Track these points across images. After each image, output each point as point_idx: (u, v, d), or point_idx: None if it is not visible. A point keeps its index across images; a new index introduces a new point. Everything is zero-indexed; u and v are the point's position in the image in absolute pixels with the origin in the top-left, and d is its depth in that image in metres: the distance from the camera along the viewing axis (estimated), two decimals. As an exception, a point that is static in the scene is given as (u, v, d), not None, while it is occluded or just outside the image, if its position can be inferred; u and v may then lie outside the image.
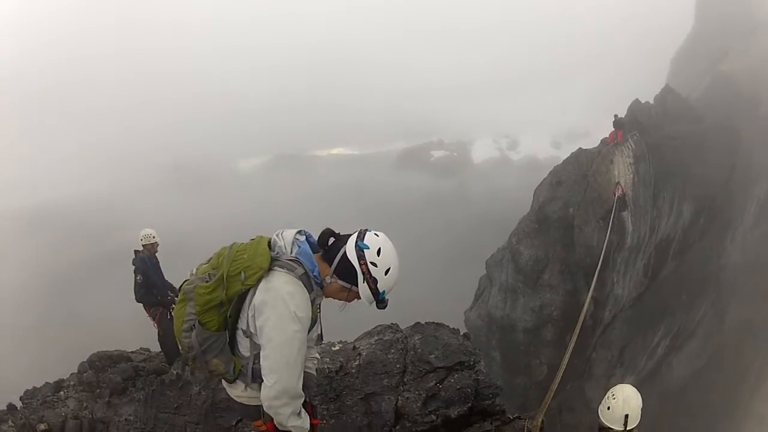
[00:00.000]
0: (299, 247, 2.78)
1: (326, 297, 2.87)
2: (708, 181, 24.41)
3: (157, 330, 8.50)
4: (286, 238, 2.81)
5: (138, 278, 8.26)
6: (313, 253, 2.78)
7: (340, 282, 2.72)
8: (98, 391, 7.44)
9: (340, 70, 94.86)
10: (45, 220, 51.11)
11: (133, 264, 8.38)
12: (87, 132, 71.27)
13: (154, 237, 8.49)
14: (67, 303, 38.82)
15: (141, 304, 8.53)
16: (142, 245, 8.42)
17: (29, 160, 64.02)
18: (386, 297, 2.74)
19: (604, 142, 21.09)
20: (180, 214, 43.52)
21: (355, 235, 2.74)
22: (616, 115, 21.47)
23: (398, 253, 2.75)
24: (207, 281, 2.72)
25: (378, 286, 2.67)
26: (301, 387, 2.73)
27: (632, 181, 20.74)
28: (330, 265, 2.74)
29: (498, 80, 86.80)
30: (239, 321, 2.76)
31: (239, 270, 2.65)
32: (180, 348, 2.94)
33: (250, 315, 2.69)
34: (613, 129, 21.01)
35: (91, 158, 62.54)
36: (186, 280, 2.87)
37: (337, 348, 6.73)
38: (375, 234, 2.74)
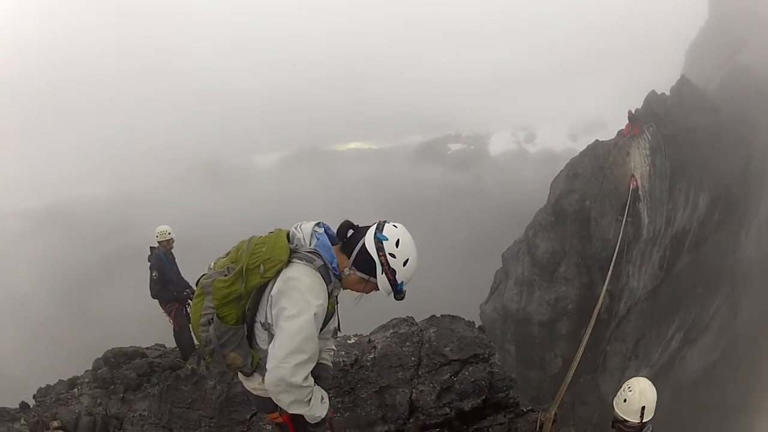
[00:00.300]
0: (318, 239, 2.78)
1: (344, 288, 2.87)
2: (724, 173, 24.21)
3: (172, 326, 8.46)
4: (304, 231, 2.81)
5: (153, 275, 8.23)
6: (332, 245, 2.79)
7: (359, 273, 2.73)
8: (113, 387, 7.43)
9: (356, 64, 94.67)
10: (56, 219, 51.29)
11: (149, 261, 8.35)
12: (97, 130, 71.19)
13: (169, 234, 8.47)
14: (79, 301, 39.14)
15: (156, 301, 8.49)
16: (158, 242, 8.41)
17: (37, 160, 64.04)
18: (404, 288, 2.75)
19: (620, 134, 20.94)
20: (198, 210, 43.64)
21: (374, 226, 2.75)
22: (630, 111, 21.33)
23: (416, 245, 2.75)
24: (226, 275, 2.72)
25: (396, 277, 2.68)
26: (300, 377, 2.69)
27: (648, 172, 20.59)
28: (348, 257, 2.75)
29: (515, 74, 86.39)
30: (258, 314, 2.78)
31: (258, 263, 2.66)
32: (197, 342, 2.95)
33: (268, 307, 2.70)
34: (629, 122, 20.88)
35: (101, 156, 62.60)
36: (204, 275, 2.88)
37: (352, 341, 6.76)
38: (394, 225, 2.75)
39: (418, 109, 73.14)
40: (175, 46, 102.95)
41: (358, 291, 2.85)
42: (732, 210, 25.05)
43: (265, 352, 2.77)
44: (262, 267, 2.65)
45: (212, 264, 2.90)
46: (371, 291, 2.82)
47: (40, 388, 8.08)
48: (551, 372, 21.23)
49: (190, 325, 3.06)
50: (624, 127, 20.90)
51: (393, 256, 2.66)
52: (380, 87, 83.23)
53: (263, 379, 2.83)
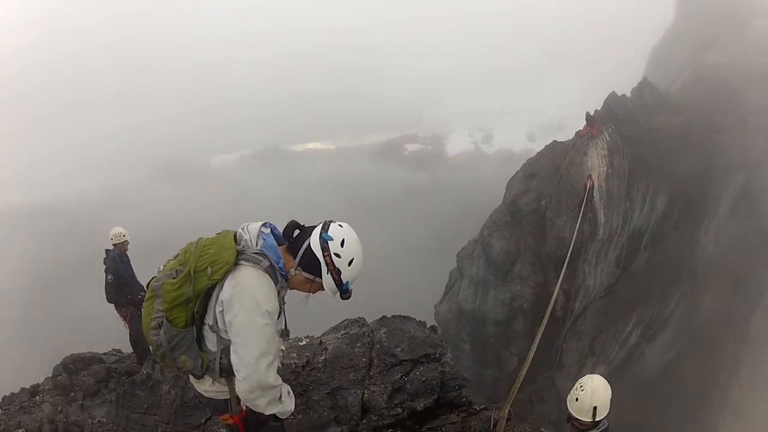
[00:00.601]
0: (264, 240, 2.80)
1: (291, 289, 2.89)
2: (683, 172, 24.45)
3: (128, 330, 8.40)
4: (251, 232, 2.82)
5: (109, 278, 8.15)
6: (279, 245, 2.81)
7: (305, 274, 2.75)
8: (72, 394, 7.47)
9: (314, 63, 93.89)
10: (22, 220, 50.55)
11: (104, 264, 8.25)
12: (53, 134, 69.91)
13: (124, 236, 8.36)
14: (43, 305, 38.64)
15: (112, 305, 8.42)
16: (113, 244, 8.31)
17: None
18: (350, 288, 2.78)
19: (578, 134, 21.01)
20: (156, 211, 43.24)
21: (320, 226, 2.77)
22: (588, 112, 21.42)
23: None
24: (174, 277, 2.72)
25: (342, 276, 2.71)
26: (273, 378, 2.75)
27: (606, 173, 20.72)
28: (294, 257, 2.77)
29: (473, 74, 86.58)
30: (206, 316, 2.77)
31: (206, 265, 2.66)
32: (149, 346, 2.96)
33: (217, 311, 2.71)
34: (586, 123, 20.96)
35: (59, 160, 61.63)
36: (153, 277, 2.88)
37: (304, 343, 6.75)
38: (339, 225, 2.77)
39: (377, 109, 73.56)
40: (132, 45, 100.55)
41: (304, 291, 2.87)
42: (692, 208, 25.36)
43: (214, 354, 2.81)
44: (209, 269, 2.65)
45: (162, 266, 2.89)
46: (317, 291, 2.85)
47: (5, 396, 8.13)
48: (507, 370, 21.41)
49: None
50: (582, 128, 20.96)
51: (338, 255, 2.69)
52: (338, 86, 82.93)
53: (213, 381, 2.90)
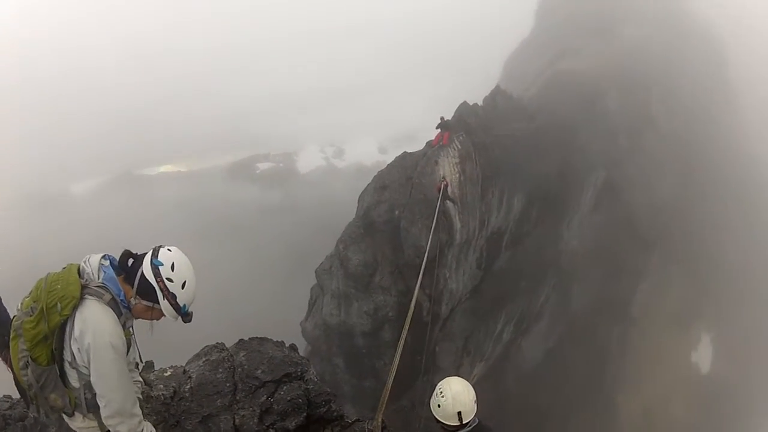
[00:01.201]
0: (105, 272, 2.85)
1: (136, 318, 2.93)
2: (540, 174, 26.13)
3: (11, 373, 7.64)
4: (92, 265, 2.88)
5: None
6: (118, 275, 2.87)
7: (144, 302, 2.78)
8: None
9: (163, 85, 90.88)
10: None
11: None
12: None
13: None
14: None
15: None
16: None
17: None
18: (189, 311, 2.87)
19: (429, 144, 21.83)
20: (21, 242, 40.39)
21: (150, 253, 2.79)
22: (441, 118, 22.26)
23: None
24: (31, 315, 2.69)
25: (178, 300, 2.77)
26: (131, 406, 2.86)
27: (458, 180, 21.65)
28: (132, 286, 2.80)
29: (321, 89, 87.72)
30: (64, 352, 2.75)
31: (55, 301, 2.70)
32: (22, 384, 2.97)
33: (74, 348, 2.70)
34: (439, 132, 21.78)
35: None
36: (14, 316, 2.89)
37: (168, 373, 6.53)
38: (168, 249, 2.83)
39: (227, 129, 73.69)
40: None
41: (147, 319, 2.90)
42: (551, 207, 27.11)
43: (78, 390, 2.86)
44: (59, 305, 2.69)
45: (20, 304, 2.88)
46: (160, 318, 2.89)
47: None
48: (385, 380, 21.72)
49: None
50: (434, 138, 21.80)
51: (170, 280, 2.75)
52: (188, 107, 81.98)
53: (84, 417, 2.95)
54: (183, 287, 2.82)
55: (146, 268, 2.82)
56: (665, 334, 39.96)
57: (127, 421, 2.86)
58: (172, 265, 2.81)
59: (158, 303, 2.83)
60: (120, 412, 2.82)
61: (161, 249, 2.87)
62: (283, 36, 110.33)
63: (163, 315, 2.90)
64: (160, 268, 2.80)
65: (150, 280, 2.79)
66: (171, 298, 2.81)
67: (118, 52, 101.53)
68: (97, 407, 2.85)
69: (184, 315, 2.88)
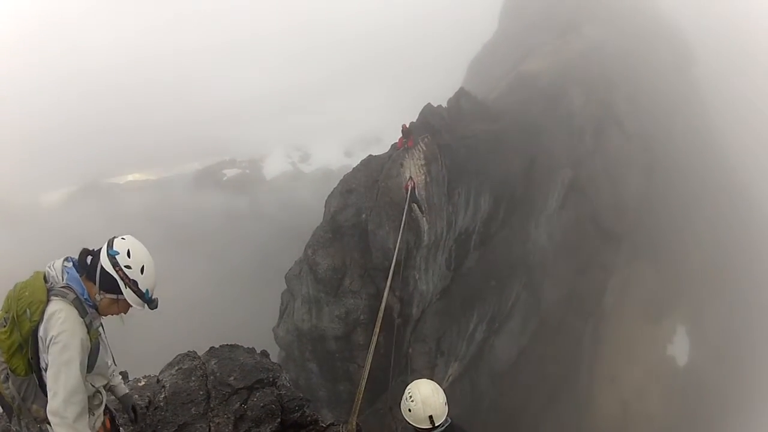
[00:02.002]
0: (68, 273, 2.90)
1: (104, 315, 2.93)
2: (506, 174, 26.58)
3: None
4: (56, 268, 2.93)
5: None
6: (81, 275, 2.92)
7: (108, 295, 2.80)
8: None
9: (128, 92, 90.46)
10: None
11: None
12: None
13: None
14: None
15: None
16: None
17: None
18: (153, 297, 2.92)
19: (394, 147, 22.02)
20: None
21: (105, 245, 2.91)
22: (404, 125, 22.49)
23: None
24: (4, 326, 2.75)
25: (140, 286, 2.80)
26: (73, 415, 2.75)
27: (424, 181, 21.85)
28: (95, 282, 2.88)
29: (287, 92, 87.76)
30: (40, 361, 2.72)
31: (24, 308, 2.74)
32: (6, 399, 2.92)
33: (44, 351, 2.69)
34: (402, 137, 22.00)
35: None
36: None
37: (143, 383, 6.53)
38: (122, 238, 2.92)
39: (193, 136, 73.43)
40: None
41: (115, 313, 2.91)
42: (517, 207, 27.57)
43: None
44: (28, 311, 2.72)
45: None
46: (127, 309, 2.96)
47: None
48: (359, 383, 21.77)
49: None
50: (398, 140, 22.01)
51: (129, 267, 2.80)
52: (153, 114, 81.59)
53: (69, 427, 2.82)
54: (142, 272, 2.87)
55: (104, 260, 2.87)
56: (638, 327, 40.89)
57: (74, 406, 2.74)
58: (128, 251, 2.87)
59: (122, 293, 2.86)
60: (55, 412, 2.71)
61: (115, 239, 2.93)
62: (246, 40, 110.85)
63: (129, 306, 2.95)
64: (116, 257, 2.86)
65: (109, 271, 2.84)
66: (132, 285, 2.84)
67: (82, 60, 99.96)
68: (82, 416, 2.81)
69: (149, 302, 2.93)
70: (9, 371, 2.79)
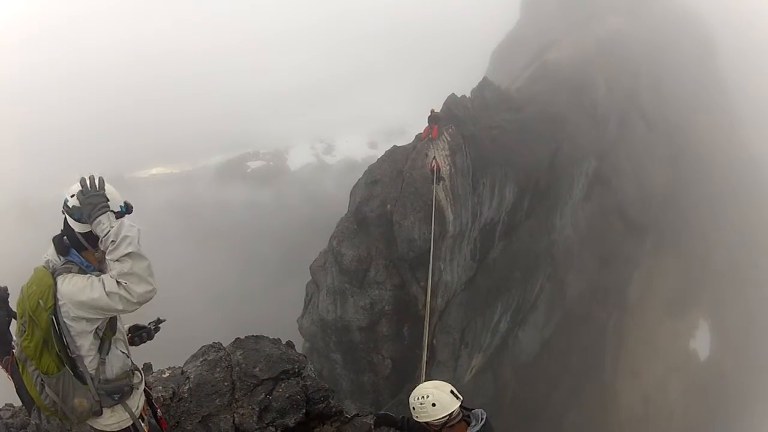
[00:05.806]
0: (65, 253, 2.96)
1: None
2: (530, 164, 26.22)
3: (13, 381, 7.62)
4: (50, 254, 3.00)
5: None
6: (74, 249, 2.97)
7: (101, 246, 2.80)
8: None
9: (150, 86, 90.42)
10: None
11: None
12: None
13: None
14: None
15: None
16: None
17: None
18: (127, 203, 2.95)
19: (419, 137, 21.85)
20: (12, 252, 40.31)
21: (63, 210, 2.94)
22: (432, 110, 22.29)
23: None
24: (24, 331, 2.81)
25: (110, 205, 2.81)
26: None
27: (449, 172, 21.68)
28: (87, 248, 2.94)
29: (311, 84, 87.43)
30: (68, 349, 2.79)
31: (37, 299, 2.78)
32: (45, 411, 3.01)
33: (72, 334, 2.76)
34: (428, 125, 21.81)
35: None
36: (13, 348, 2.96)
37: (167, 374, 6.60)
38: (68, 196, 2.93)
39: (217, 129, 73.31)
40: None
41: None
42: (542, 197, 27.20)
43: (95, 372, 2.89)
44: (41, 302, 2.76)
45: (13, 335, 3.06)
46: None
47: None
48: (383, 374, 21.76)
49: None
50: (423, 131, 21.83)
51: (84, 195, 2.82)
52: (176, 108, 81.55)
53: (112, 412, 2.95)
54: (100, 188, 2.88)
55: (70, 221, 2.91)
56: (661, 321, 40.25)
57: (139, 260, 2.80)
58: (72, 195, 2.88)
59: (110, 232, 2.83)
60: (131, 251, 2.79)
61: (65, 201, 2.94)
62: (271, 34, 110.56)
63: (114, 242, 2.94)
64: (67, 203, 2.89)
65: (80, 221, 2.87)
66: (103, 209, 2.84)
67: (108, 55, 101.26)
68: (122, 394, 2.96)
69: (125, 211, 2.94)
70: (42, 376, 2.82)
